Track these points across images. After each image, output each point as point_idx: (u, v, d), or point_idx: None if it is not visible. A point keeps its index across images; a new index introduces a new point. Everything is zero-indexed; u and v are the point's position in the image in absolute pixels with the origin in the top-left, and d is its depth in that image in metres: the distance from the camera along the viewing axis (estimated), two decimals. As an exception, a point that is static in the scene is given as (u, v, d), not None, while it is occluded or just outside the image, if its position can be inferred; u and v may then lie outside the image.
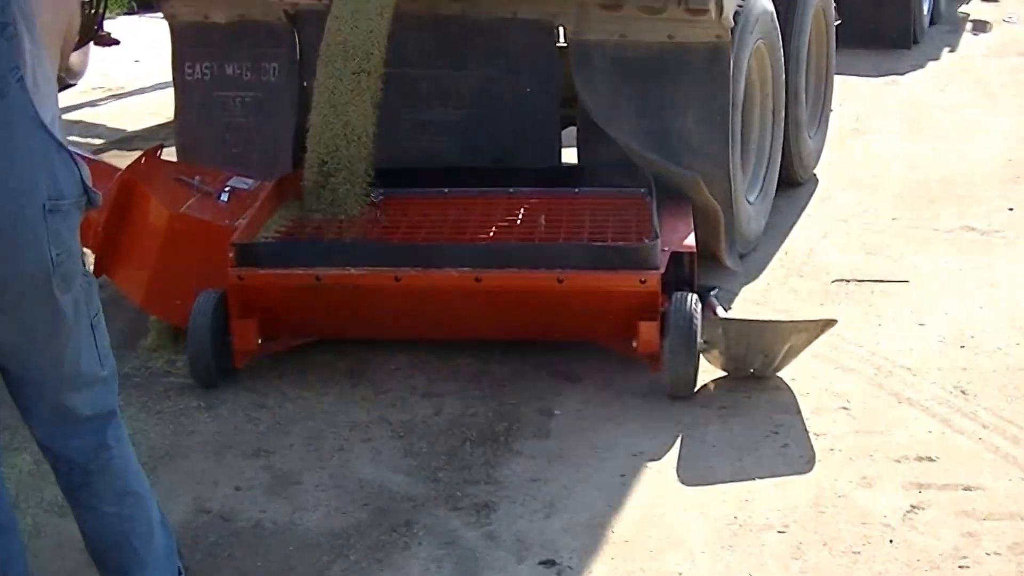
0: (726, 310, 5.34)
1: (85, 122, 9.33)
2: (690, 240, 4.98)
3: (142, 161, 5.13)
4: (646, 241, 4.81)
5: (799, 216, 6.89)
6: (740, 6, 5.69)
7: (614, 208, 5.42)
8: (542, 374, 4.96)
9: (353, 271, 4.70)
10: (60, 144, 2.90)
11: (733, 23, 5.50)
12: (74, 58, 9.69)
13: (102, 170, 5.21)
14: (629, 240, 4.96)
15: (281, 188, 5.33)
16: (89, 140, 8.71)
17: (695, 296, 4.69)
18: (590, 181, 5.65)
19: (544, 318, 4.82)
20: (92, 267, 5.09)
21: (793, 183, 7.21)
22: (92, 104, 9.90)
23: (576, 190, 5.62)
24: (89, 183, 2.99)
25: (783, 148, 6.70)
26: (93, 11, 8.49)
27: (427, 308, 4.80)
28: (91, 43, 8.95)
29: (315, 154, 5.26)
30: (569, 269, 4.66)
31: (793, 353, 4.78)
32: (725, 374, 4.88)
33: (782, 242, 6.45)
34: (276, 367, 4.99)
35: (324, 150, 5.23)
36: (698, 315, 4.62)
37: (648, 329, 4.64)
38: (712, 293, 5.41)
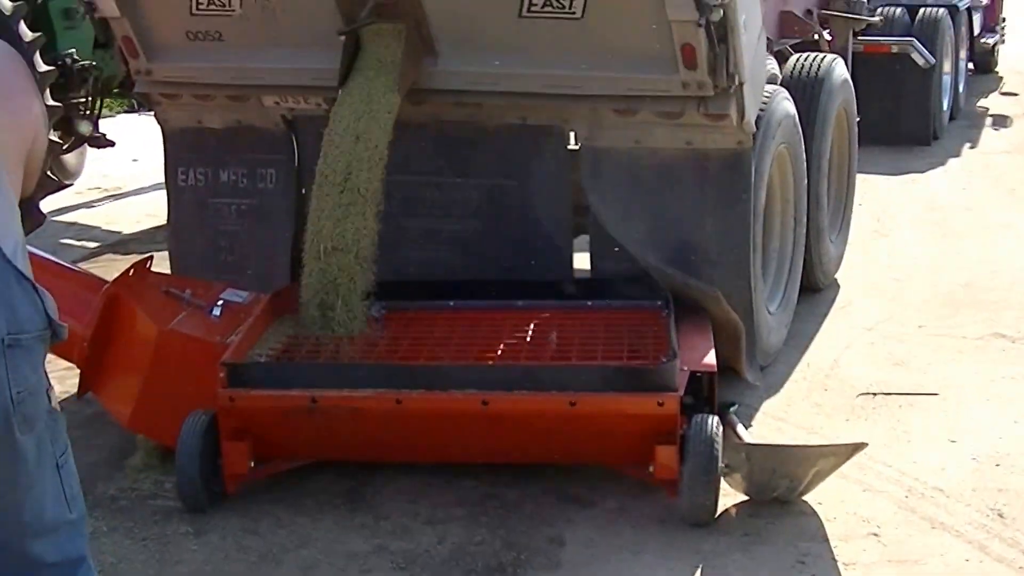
0: (746, 428, 5.14)
1: (80, 224, 9.19)
2: (710, 358, 4.79)
3: (130, 273, 4.97)
4: (664, 361, 4.60)
5: (821, 325, 6.69)
6: (762, 110, 5.53)
7: (629, 323, 5.23)
8: (552, 499, 4.74)
9: (351, 393, 4.50)
10: (21, 274, 2.72)
11: (755, 128, 5.33)
12: (70, 159, 9.60)
13: (88, 283, 5.08)
14: (645, 358, 4.77)
15: (276, 302, 5.15)
16: (83, 244, 8.57)
17: (715, 418, 4.49)
18: (603, 294, 5.46)
19: (555, 442, 4.62)
20: (77, 384, 4.93)
21: (813, 289, 7.01)
22: (88, 205, 9.76)
23: (589, 303, 5.43)
24: (54, 315, 2.79)
25: (804, 254, 6.51)
26: (88, 112, 8.39)
27: (430, 432, 4.61)
28: (86, 144, 8.85)
29: (311, 270, 5.08)
30: (582, 391, 4.46)
31: (820, 477, 4.56)
32: (747, 498, 4.65)
33: (804, 353, 6.25)
34: (270, 489, 4.77)
35: (321, 267, 5.05)
36: (719, 439, 4.42)
37: (666, 454, 4.43)
38: (731, 410, 5.23)
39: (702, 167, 5.31)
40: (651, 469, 4.48)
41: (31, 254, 5.13)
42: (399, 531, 4.51)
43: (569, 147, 5.55)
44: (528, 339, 5.13)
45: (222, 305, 5.06)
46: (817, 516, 4.57)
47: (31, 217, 7.33)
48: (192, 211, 5.98)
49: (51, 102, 7.39)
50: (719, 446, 4.40)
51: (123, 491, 4.80)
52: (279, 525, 4.55)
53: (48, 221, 8.36)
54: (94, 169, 10.28)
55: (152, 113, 6.12)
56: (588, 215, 5.54)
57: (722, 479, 4.50)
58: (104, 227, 9.06)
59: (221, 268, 5.92)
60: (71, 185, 9.77)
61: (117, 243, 8.51)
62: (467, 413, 4.49)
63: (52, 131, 7.45)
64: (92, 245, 8.55)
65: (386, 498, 4.74)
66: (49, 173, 7.57)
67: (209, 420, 4.57)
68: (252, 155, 5.84)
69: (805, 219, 6.41)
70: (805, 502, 4.64)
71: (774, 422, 5.41)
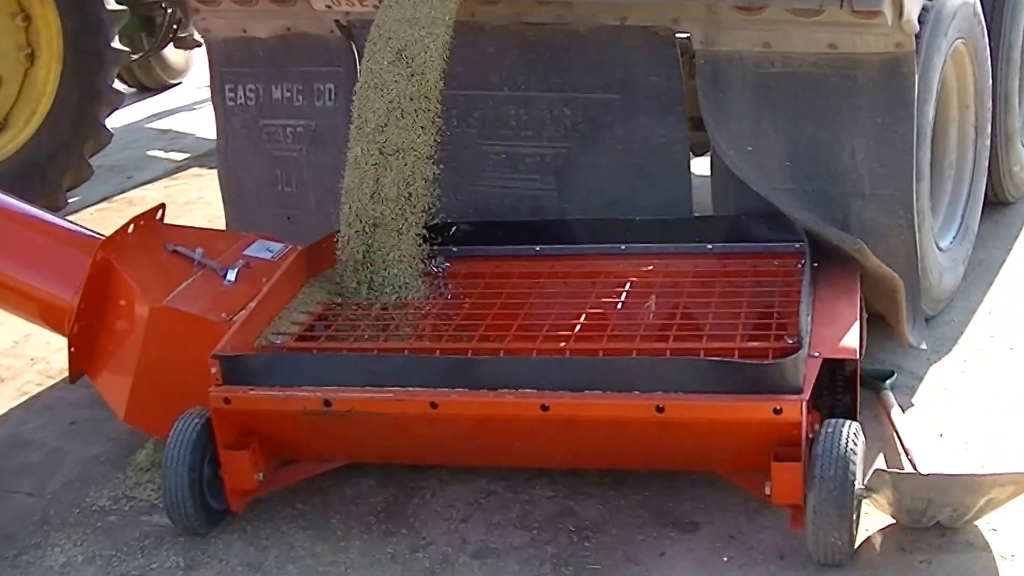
0: (904, 409, 3.90)
1: (173, 131, 8.16)
2: (851, 338, 3.52)
3: (128, 230, 3.90)
4: (788, 341, 3.41)
5: (1009, 252, 5.27)
6: (928, 3, 4.14)
7: (754, 275, 4.00)
8: (644, 518, 3.57)
9: (373, 394, 3.39)
10: None
11: (918, 26, 3.96)
12: (176, 57, 8.66)
13: (82, 242, 4.03)
14: (766, 337, 3.53)
15: (310, 258, 4.04)
16: (171, 155, 7.55)
17: (853, 426, 3.25)
18: (727, 234, 4.20)
19: (639, 451, 3.46)
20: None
21: (1001, 203, 5.60)
22: (190, 108, 8.70)
23: (709, 247, 4.19)
24: None
25: (988, 165, 5.11)
26: (171, 11, 7.36)
27: (476, 439, 3.48)
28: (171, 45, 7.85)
29: (351, 218, 3.96)
30: (672, 393, 3.26)
31: (993, 505, 3.30)
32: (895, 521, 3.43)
33: (985, 293, 4.87)
34: (291, 500, 3.73)
35: (361, 217, 3.94)
36: (857, 455, 3.19)
37: (786, 473, 3.22)
38: (888, 383, 4.00)
39: (850, 77, 3.98)
40: (767, 490, 3.29)
41: (15, 210, 4.19)
42: (437, 567, 3.40)
43: (679, 50, 4.26)
44: (622, 303, 3.93)
45: (242, 265, 3.97)
46: (989, 551, 3.31)
47: (96, 137, 6.41)
48: (244, 135, 4.91)
49: (113, 6, 6.37)
50: (856, 466, 3.17)
51: (116, 501, 3.79)
52: (291, 557, 3.49)
53: (140, 128, 7.45)
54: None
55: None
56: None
57: (864, 502, 3.28)
58: (198, 135, 8.00)
59: (280, 200, 4.89)
60: (180, 83, 8.82)
61: (205, 154, 7.42)
62: (522, 420, 3.35)
63: (118, 37, 6.44)
64: (179, 157, 7.51)
65: (432, 514, 3.63)
66: (137, 76, 6.61)
67: (204, 423, 3.52)
68: (307, 68, 4.71)
69: (989, 126, 5.00)
70: (975, 528, 3.39)
71: (942, 398, 4.11)
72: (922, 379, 4.22)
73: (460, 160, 4.39)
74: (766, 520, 3.47)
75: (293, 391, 3.44)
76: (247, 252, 4.06)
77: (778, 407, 3.18)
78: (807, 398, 3.20)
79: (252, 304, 3.70)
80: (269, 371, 3.48)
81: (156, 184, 6.81)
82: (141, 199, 6.56)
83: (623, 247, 4.23)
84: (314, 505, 3.70)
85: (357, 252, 3.96)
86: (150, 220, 4.03)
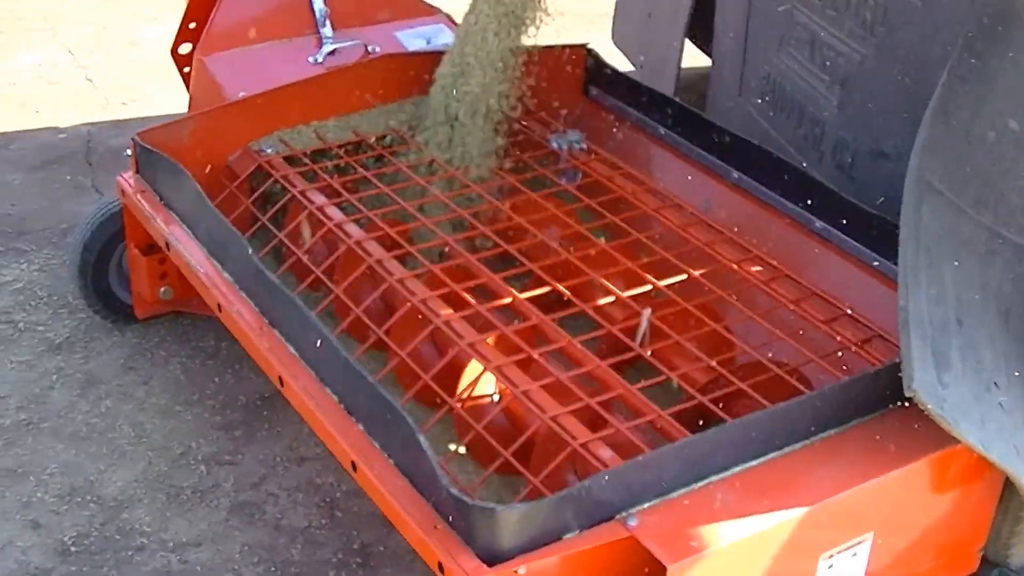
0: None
1: None
2: (721, 535, 1.80)
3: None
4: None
5: None
6: None
7: (811, 316, 2.31)
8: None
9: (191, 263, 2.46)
10: None
11: None
12: None
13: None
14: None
15: (406, 69, 2.92)
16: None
17: None
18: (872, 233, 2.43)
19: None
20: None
21: None
22: None
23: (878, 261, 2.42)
24: None
25: None
26: None
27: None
28: None
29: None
30: (383, 449, 1.98)
31: None
32: None
33: None
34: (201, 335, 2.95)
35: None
36: None
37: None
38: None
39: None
40: None
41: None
42: (125, 532, 2.48)
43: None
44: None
45: (355, 47, 2.97)
46: None
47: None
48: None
49: None
50: None
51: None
52: (116, 390, 2.74)
53: None
54: None
55: None
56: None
57: None
58: None
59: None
60: None
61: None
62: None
63: None
64: None
65: (260, 443, 2.65)
66: None
67: (119, 209, 2.79)
68: None
69: None
70: None
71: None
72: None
73: (768, 24, 2.93)
74: None
75: (156, 214, 2.59)
76: (400, 33, 3.05)
77: (441, 562, 1.79)
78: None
79: (258, 93, 2.77)
80: (160, 178, 2.64)
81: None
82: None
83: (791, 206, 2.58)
84: (201, 353, 2.89)
85: (448, 81, 2.80)
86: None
